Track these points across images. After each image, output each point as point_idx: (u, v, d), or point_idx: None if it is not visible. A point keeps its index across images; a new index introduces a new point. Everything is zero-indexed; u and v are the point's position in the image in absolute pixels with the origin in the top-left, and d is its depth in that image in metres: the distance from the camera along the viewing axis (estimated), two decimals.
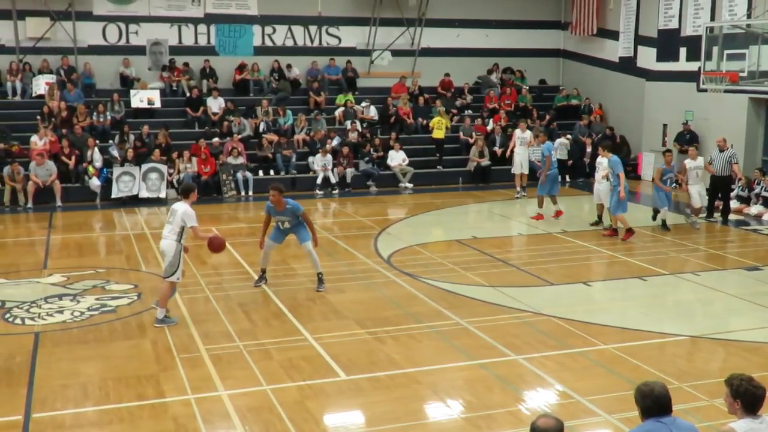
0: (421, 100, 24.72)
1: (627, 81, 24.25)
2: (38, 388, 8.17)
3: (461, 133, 23.68)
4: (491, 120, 24.25)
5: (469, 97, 25.67)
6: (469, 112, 24.95)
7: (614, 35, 24.75)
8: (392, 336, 9.84)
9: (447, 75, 25.80)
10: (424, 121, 24.20)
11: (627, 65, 24.25)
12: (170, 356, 9.09)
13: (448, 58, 26.08)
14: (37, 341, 9.57)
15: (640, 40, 23.70)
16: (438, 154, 23.15)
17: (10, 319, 10.44)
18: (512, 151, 20.63)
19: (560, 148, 22.96)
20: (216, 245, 10.65)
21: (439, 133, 23.33)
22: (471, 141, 23.04)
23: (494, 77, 26.69)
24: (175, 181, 20.29)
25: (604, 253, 14.30)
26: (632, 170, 23.25)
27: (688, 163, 16.03)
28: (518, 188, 20.32)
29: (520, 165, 20.32)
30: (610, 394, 7.97)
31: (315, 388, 8.22)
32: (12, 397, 7.96)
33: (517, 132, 20.70)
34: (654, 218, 16.30)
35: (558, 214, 17.10)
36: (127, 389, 8.14)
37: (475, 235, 15.69)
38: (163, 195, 19.91)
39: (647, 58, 23.28)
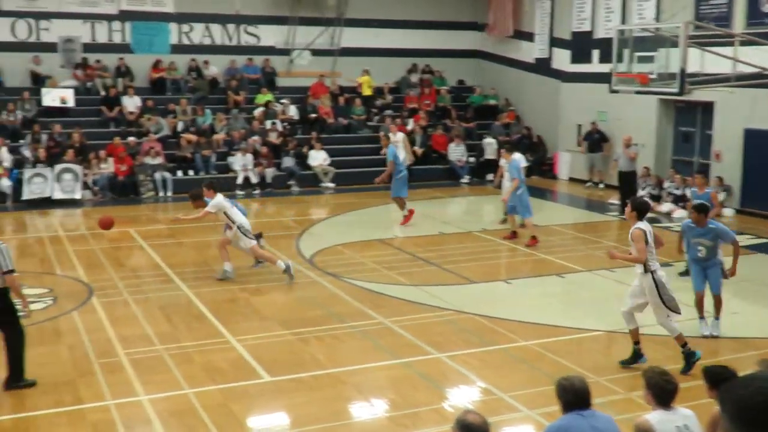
0: (341, 99, 24.73)
1: (543, 82, 24.76)
2: None
3: (382, 133, 23.77)
4: (411, 120, 24.44)
5: (389, 97, 25.79)
6: (389, 111, 25.07)
7: (530, 37, 25.24)
8: (316, 336, 9.83)
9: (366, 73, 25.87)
10: (345, 121, 24.24)
11: (542, 66, 24.76)
12: (88, 361, 8.87)
13: (368, 58, 26.13)
14: None
15: (554, 41, 24.23)
16: (368, 112, 24.79)
17: None
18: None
19: (488, 147, 23.30)
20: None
21: (367, 91, 25.19)
22: None
23: (413, 77, 26.90)
24: (90, 181, 19.78)
25: (522, 251, 14.58)
26: (549, 170, 23.82)
27: None
28: None
29: None
30: (532, 389, 8.15)
31: (238, 391, 8.15)
32: None
33: (390, 135, 20.42)
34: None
35: (410, 215, 16.74)
36: (44, 396, 7.92)
37: (397, 235, 15.80)
38: (78, 196, 19.37)
39: (562, 59, 23.82)
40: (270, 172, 21.33)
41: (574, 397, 5.04)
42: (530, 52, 25.27)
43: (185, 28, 24.72)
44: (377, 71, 25.89)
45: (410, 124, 24.21)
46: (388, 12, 26.42)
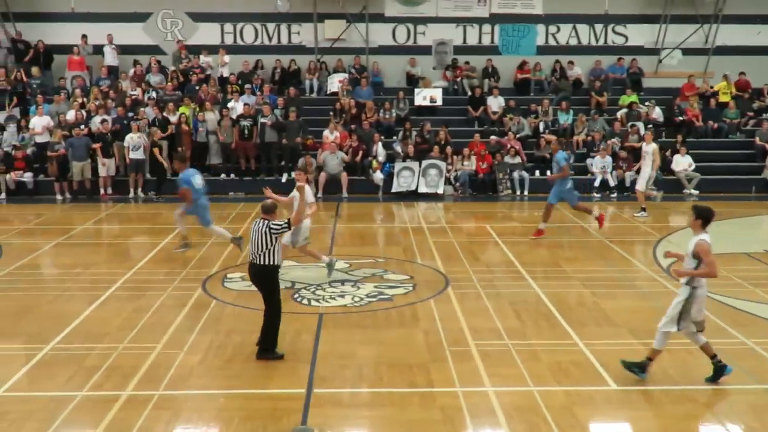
0: (712, 102, 23.24)
1: None
2: (320, 365, 8.77)
3: (757, 138, 21.93)
4: None
5: None
6: None
7: None
8: (667, 349, 9.32)
9: (742, 74, 24.00)
10: (715, 125, 22.73)
11: None
12: (441, 348, 9.32)
13: (746, 57, 24.23)
14: (321, 322, 10.26)
15: None
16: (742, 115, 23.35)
17: (299, 300, 11.30)
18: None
19: None
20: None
21: (725, 97, 23.63)
22: None
23: None
24: (452, 177, 20.80)
25: None
26: None
27: None
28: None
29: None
30: None
31: (583, 395, 8.02)
32: (296, 371, 8.60)
33: (643, 145, 18.27)
34: None
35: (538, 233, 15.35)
36: (399, 375, 8.47)
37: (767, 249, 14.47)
38: (440, 191, 20.49)
39: None
40: (629, 176, 20.69)
41: None
42: None
43: (552, 29, 24.95)
44: (756, 71, 23.93)
45: None
46: None
